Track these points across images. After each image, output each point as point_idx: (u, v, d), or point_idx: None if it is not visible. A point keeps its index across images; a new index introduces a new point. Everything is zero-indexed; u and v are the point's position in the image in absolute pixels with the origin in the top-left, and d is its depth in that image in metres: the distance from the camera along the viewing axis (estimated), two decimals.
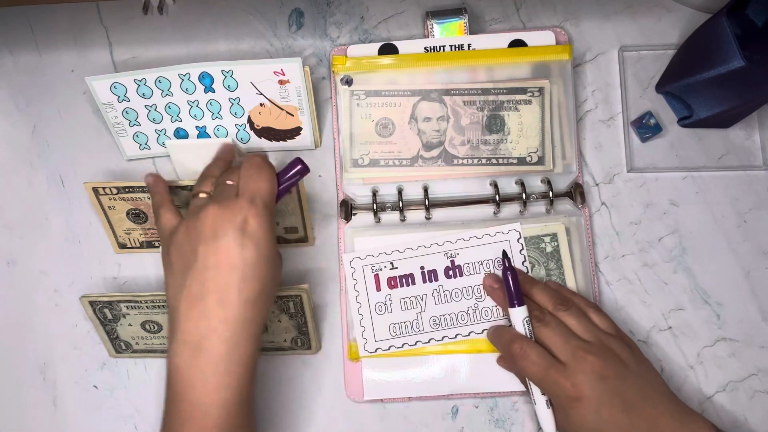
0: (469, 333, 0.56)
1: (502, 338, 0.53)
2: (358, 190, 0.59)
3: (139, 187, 0.56)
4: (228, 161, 0.55)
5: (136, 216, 0.58)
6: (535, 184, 0.58)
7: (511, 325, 0.53)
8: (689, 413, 0.50)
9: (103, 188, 0.56)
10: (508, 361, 0.55)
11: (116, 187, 0.56)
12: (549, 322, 0.52)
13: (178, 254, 0.47)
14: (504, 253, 0.55)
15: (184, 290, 0.46)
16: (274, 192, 0.49)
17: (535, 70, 0.59)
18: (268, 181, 0.48)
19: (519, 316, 0.52)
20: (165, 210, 0.51)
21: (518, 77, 0.59)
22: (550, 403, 0.51)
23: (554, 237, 0.58)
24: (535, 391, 0.51)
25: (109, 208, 0.57)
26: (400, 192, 0.58)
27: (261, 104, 0.58)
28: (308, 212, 0.57)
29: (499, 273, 0.56)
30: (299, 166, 0.50)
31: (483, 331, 0.56)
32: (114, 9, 0.64)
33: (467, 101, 0.59)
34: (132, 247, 0.60)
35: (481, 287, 0.57)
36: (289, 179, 0.51)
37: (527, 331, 0.52)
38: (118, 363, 0.59)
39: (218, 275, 0.45)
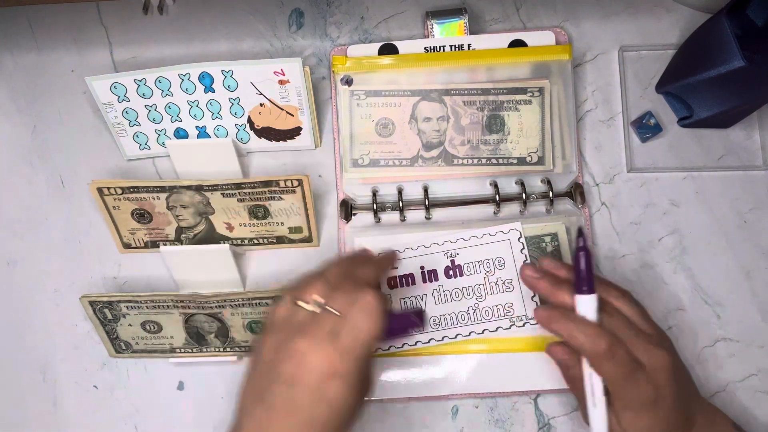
0: (470, 333, 0.56)
1: (587, 332, 0.47)
2: (358, 190, 0.59)
3: (143, 187, 0.56)
4: (357, 263, 0.50)
5: (140, 216, 0.58)
6: (535, 184, 0.58)
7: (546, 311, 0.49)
8: (712, 406, 0.50)
9: (108, 188, 0.56)
10: (567, 352, 0.50)
11: (121, 187, 0.56)
12: (612, 312, 0.48)
13: (264, 361, 0.45)
14: (579, 230, 0.48)
15: (259, 404, 0.44)
16: (378, 340, 0.45)
17: (535, 70, 0.59)
18: (376, 326, 0.45)
19: (591, 305, 0.47)
20: (284, 300, 0.47)
21: (518, 77, 0.59)
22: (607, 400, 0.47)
23: (554, 237, 0.58)
24: (597, 389, 0.47)
25: (114, 208, 0.57)
26: (400, 192, 0.58)
27: (261, 104, 0.58)
28: (314, 212, 0.57)
29: (514, 268, 0.56)
30: (414, 320, 0.49)
31: (483, 330, 0.56)
32: (114, 9, 0.64)
33: (467, 101, 0.59)
34: (136, 247, 0.60)
35: (482, 287, 0.57)
36: (399, 331, 0.50)
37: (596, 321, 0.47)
38: (118, 363, 0.59)
39: (296, 412, 0.43)
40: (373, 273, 0.50)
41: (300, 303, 0.46)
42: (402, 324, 0.49)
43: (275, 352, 0.44)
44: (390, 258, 0.55)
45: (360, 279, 0.48)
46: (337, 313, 0.45)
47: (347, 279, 0.47)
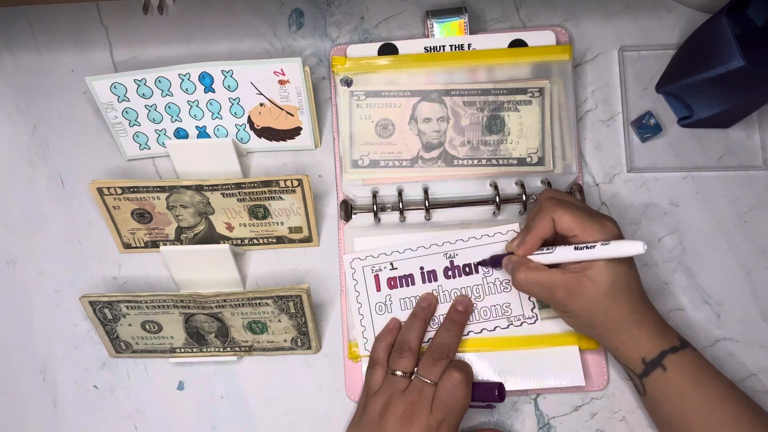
0: (468, 333, 0.56)
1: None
2: (358, 190, 0.59)
3: (143, 187, 0.56)
4: (427, 321, 0.56)
5: (140, 216, 0.58)
6: (536, 185, 0.58)
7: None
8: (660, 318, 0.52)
9: (108, 188, 0.56)
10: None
11: (121, 187, 0.56)
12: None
13: (370, 419, 0.51)
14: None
15: None
16: (464, 412, 0.51)
17: (536, 70, 0.59)
18: (464, 401, 0.51)
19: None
20: (379, 368, 0.53)
21: (518, 77, 0.59)
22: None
23: None
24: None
25: (114, 208, 0.57)
26: (400, 193, 0.58)
27: (261, 104, 0.58)
28: (314, 212, 0.57)
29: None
30: (496, 393, 0.52)
31: (482, 330, 0.56)
32: (114, 9, 0.64)
33: (467, 102, 0.58)
34: (136, 247, 0.60)
35: (480, 287, 0.57)
36: (481, 403, 0.53)
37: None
38: (118, 363, 0.59)
39: None
40: (455, 340, 0.55)
41: (397, 372, 0.52)
42: (487, 394, 0.52)
43: (381, 413, 0.50)
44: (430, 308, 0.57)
45: (442, 348, 0.53)
46: (429, 381, 0.51)
47: (434, 351, 0.53)
